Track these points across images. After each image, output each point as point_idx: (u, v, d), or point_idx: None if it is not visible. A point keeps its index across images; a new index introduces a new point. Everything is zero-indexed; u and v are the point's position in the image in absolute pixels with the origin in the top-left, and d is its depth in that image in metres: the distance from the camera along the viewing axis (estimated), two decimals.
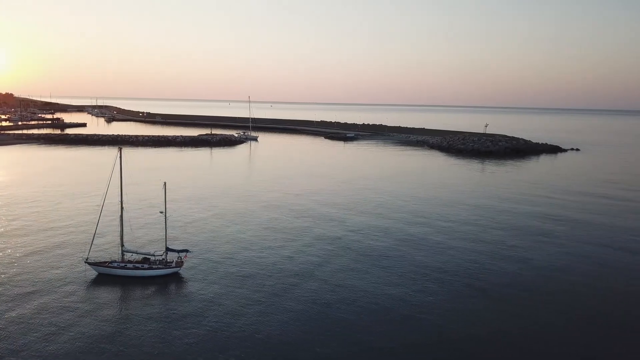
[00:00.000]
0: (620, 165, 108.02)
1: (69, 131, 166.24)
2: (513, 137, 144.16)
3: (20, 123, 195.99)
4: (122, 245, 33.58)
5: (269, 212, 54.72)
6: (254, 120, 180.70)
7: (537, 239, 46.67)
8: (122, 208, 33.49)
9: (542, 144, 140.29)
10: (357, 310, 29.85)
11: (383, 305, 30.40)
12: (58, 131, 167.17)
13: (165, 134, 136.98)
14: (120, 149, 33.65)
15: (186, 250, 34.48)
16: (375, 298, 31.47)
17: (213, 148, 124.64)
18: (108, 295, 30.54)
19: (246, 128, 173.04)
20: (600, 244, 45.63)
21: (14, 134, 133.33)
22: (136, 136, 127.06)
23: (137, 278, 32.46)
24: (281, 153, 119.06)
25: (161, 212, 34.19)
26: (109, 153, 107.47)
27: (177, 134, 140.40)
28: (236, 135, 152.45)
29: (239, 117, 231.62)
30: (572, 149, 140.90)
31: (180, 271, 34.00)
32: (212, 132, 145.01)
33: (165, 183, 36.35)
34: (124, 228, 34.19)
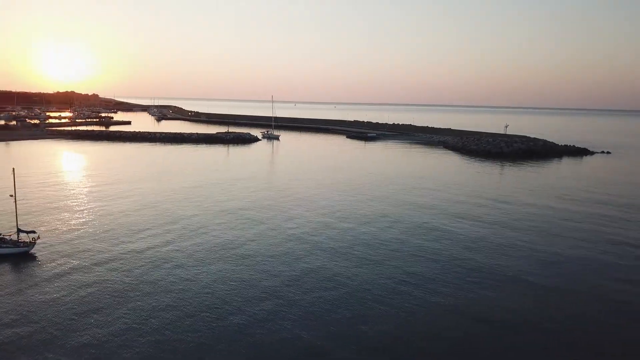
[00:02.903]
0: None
1: (112, 128, 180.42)
2: (535, 138, 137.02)
3: (76, 120, 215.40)
4: None
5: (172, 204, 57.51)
6: (277, 119, 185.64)
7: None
8: None
9: (567, 146, 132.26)
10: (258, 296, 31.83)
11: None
12: (103, 128, 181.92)
13: (182, 131, 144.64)
14: None
15: (33, 232, 38.22)
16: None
17: (226, 146, 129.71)
18: None
19: (280, 127, 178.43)
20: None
21: (49, 129, 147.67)
22: (154, 133, 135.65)
23: None
24: (288, 152, 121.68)
25: (11, 196, 38.27)
26: (98, 148, 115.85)
27: (203, 132, 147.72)
28: (260, 134, 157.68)
29: (273, 117, 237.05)
30: (602, 152, 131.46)
31: (33, 250, 37.96)
32: (229, 130, 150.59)
33: (13, 169, 40.53)
34: None
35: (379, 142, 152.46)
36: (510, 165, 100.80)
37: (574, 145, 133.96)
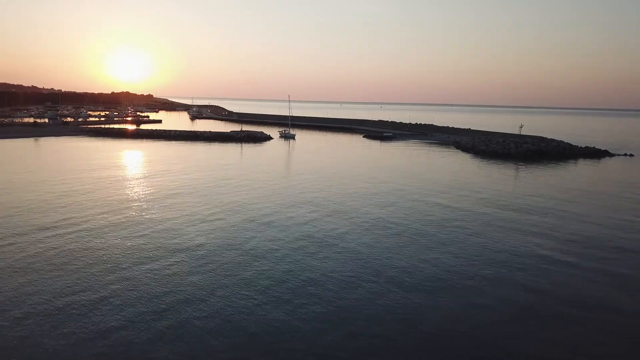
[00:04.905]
0: None
1: (142, 127, 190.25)
2: (550, 139, 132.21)
3: (114, 119, 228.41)
4: None
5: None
6: (305, 119, 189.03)
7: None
8: None
9: (586, 147, 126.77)
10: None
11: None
12: (134, 126, 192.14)
13: (195, 130, 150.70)
14: None
15: None
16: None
17: (237, 144, 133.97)
18: None
19: (305, 127, 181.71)
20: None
21: (80, 127, 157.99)
22: (169, 131, 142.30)
23: None
24: (290, 151, 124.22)
25: None
26: (100, 144, 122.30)
27: (216, 130, 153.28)
28: (278, 133, 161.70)
29: (302, 117, 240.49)
30: (625, 155, 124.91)
31: None
32: (242, 129, 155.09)
33: None
34: None
35: (394, 142, 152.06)
36: (504, 166, 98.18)
37: (593, 147, 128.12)
